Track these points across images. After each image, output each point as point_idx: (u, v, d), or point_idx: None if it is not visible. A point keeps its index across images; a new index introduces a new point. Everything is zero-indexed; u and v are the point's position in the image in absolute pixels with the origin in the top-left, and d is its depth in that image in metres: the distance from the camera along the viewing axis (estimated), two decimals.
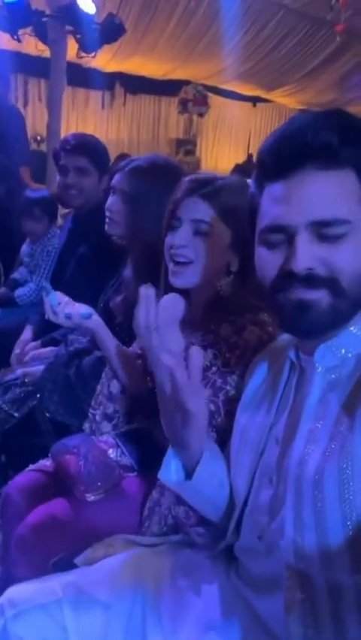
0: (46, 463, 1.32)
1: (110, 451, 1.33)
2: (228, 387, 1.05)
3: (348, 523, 0.68)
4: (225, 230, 1.07)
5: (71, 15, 4.35)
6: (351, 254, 0.70)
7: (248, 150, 10.51)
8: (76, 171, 1.93)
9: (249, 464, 0.86)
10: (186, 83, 9.57)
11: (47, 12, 4.51)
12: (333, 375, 0.75)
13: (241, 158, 9.28)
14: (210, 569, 0.94)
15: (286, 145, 0.71)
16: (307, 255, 0.70)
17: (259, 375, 0.92)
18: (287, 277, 0.72)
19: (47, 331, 1.97)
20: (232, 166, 8.20)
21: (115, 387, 1.36)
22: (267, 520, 0.81)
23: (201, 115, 9.81)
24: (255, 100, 11.04)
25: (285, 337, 0.93)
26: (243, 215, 1.03)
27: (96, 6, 4.44)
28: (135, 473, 1.25)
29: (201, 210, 1.07)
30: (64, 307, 1.27)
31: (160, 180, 1.42)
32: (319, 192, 0.70)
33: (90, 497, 1.17)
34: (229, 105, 10.65)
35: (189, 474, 0.90)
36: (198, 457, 0.89)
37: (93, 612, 0.88)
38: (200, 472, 0.88)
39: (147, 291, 0.98)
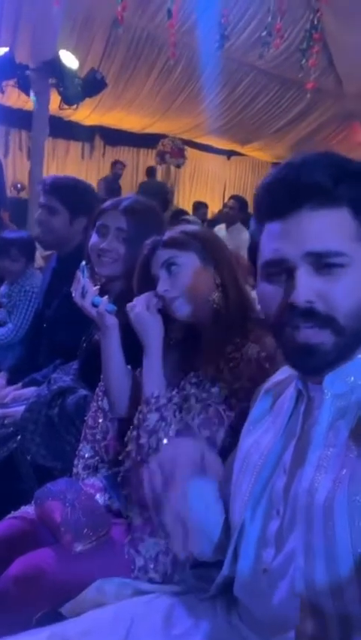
0: (28, 509, 1.23)
1: (98, 495, 1.25)
2: (215, 397, 1.09)
3: (359, 551, 0.67)
4: (188, 254, 1.18)
5: (55, 69, 4.53)
6: (348, 289, 0.72)
7: (223, 200, 10.85)
8: (46, 210, 1.97)
9: (247, 489, 0.83)
10: (164, 136, 9.94)
11: (31, 66, 4.67)
12: (342, 403, 0.76)
13: (217, 207, 9.57)
14: (210, 614, 0.89)
15: (281, 188, 0.74)
16: (307, 287, 0.72)
17: (264, 401, 0.91)
18: (288, 311, 0.74)
19: (22, 375, 1.91)
20: (208, 214, 8.52)
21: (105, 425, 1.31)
22: (273, 552, 0.78)
23: (178, 166, 10.13)
24: (229, 153, 11.51)
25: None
26: (198, 237, 1.19)
27: (78, 61, 4.63)
28: (125, 519, 1.17)
29: (165, 255, 1.19)
30: (93, 294, 1.26)
31: (151, 219, 1.46)
32: (314, 227, 0.72)
33: (78, 547, 1.09)
34: (205, 158, 11.07)
35: None
36: None
37: None
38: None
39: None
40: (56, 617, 0.98)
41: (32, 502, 1.21)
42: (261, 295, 0.79)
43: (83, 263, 1.28)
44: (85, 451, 1.34)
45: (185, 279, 1.16)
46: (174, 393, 1.14)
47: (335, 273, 0.71)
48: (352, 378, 0.75)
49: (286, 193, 0.73)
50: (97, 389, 1.36)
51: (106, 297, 1.27)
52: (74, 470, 1.33)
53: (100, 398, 1.35)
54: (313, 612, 0.70)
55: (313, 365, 0.75)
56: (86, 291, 1.25)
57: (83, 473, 1.32)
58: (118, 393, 1.29)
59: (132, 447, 1.13)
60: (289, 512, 0.76)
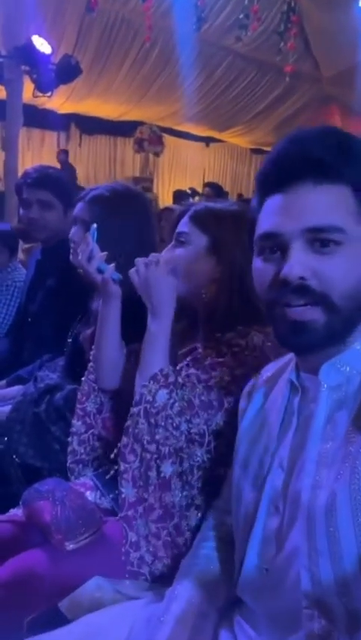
0: (17, 512, 1.20)
1: (88, 493, 1.23)
2: (215, 374, 1.06)
3: None
4: (200, 235, 1.12)
5: (27, 55, 4.40)
6: (344, 268, 0.70)
7: (204, 183, 10.80)
8: (39, 205, 1.89)
9: (250, 492, 0.81)
10: (141, 123, 9.82)
11: (3, 52, 4.54)
12: (339, 394, 0.74)
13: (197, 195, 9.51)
14: (208, 607, 0.86)
15: (284, 161, 0.73)
16: (300, 262, 0.70)
17: (255, 402, 0.89)
18: (280, 287, 0.72)
19: (7, 371, 1.87)
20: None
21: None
22: (274, 551, 0.76)
23: (156, 154, 10.05)
24: (208, 140, 11.44)
25: (279, 362, 0.91)
26: (215, 219, 1.13)
27: (52, 47, 4.51)
28: (117, 517, 1.15)
29: (180, 226, 1.14)
30: (100, 259, 1.20)
31: (121, 208, 1.41)
32: (314, 202, 0.71)
33: (70, 546, 1.06)
34: (184, 145, 10.99)
35: None
36: None
37: None
38: None
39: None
40: (47, 620, 0.96)
41: (20, 504, 1.18)
42: (254, 272, 0.78)
43: (95, 226, 1.22)
44: (77, 427, 1.31)
45: (185, 258, 1.12)
46: (176, 368, 1.09)
47: (331, 252, 0.70)
48: (347, 368, 0.73)
49: (288, 166, 0.72)
50: (89, 364, 1.33)
51: (113, 264, 1.21)
52: (69, 461, 1.30)
53: (91, 372, 1.31)
54: (321, 610, 0.68)
55: (303, 343, 0.73)
56: (93, 256, 1.20)
57: (76, 468, 1.30)
58: (109, 365, 1.27)
59: (132, 423, 1.06)
60: (289, 509, 0.74)
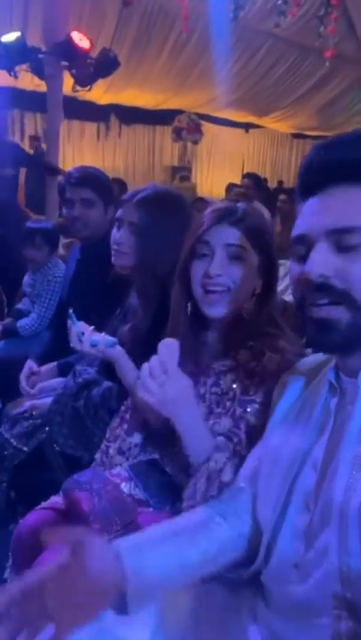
0: (57, 500, 1.27)
1: (123, 484, 1.28)
2: (248, 417, 1.04)
3: None
4: (253, 254, 1.10)
5: (67, 51, 4.47)
6: None
7: (242, 174, 10.68)
8: (82, 203, 1.96)
9: (279, 487, 0.83)
10: (180, 112, 9.78)
11: (43, 49, 4.62)
12: None
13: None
14: (236, 601, 0.90)
15: (314, 165, 0.76)
16: (322, 261, 0.72)
17: (291, 393, 0.90)
18: (305, 286, 0.74)
19: (50, 362, 1.94)
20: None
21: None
22: (303, 547, 0.78)
23: (195, 142, 10.00)
24: (247, 126, 11.28)
25: (320, 355, 0.92)
26: (267, 238, 1.11)
27: (90, 41, 4.56)
28: (151, 508, 1.21)
29: (232, 236, 1.08)
30: (90, 335, 1.26)
31: (167, 211, 1.45)
32: (340, 203, 0.73)
33: (106, 536, 1.12)
34: (222, 132, 10.87)
35: None
36: None
37: None
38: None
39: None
40: None
41: (60, 492, 1.25)
42: (290, 275, 0.80)
43: (70, 310, 1.30)
44: (118, 437, 1.33)
45: (239, 277, 1.07)
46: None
47: (356, 251, 0.71)
48: None
49: (317, 170, 0.75)
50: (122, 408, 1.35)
51: (103, 333, 1.28)
52: (103, 449, 1.33)
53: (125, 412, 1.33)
54: (349, 611, 0.70)
55: (328, 342, 0.74)
56: (80, 339, 1.27)
57: (115, 456, 1.32)
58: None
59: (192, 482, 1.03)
60: (320, 508, 0.76)
